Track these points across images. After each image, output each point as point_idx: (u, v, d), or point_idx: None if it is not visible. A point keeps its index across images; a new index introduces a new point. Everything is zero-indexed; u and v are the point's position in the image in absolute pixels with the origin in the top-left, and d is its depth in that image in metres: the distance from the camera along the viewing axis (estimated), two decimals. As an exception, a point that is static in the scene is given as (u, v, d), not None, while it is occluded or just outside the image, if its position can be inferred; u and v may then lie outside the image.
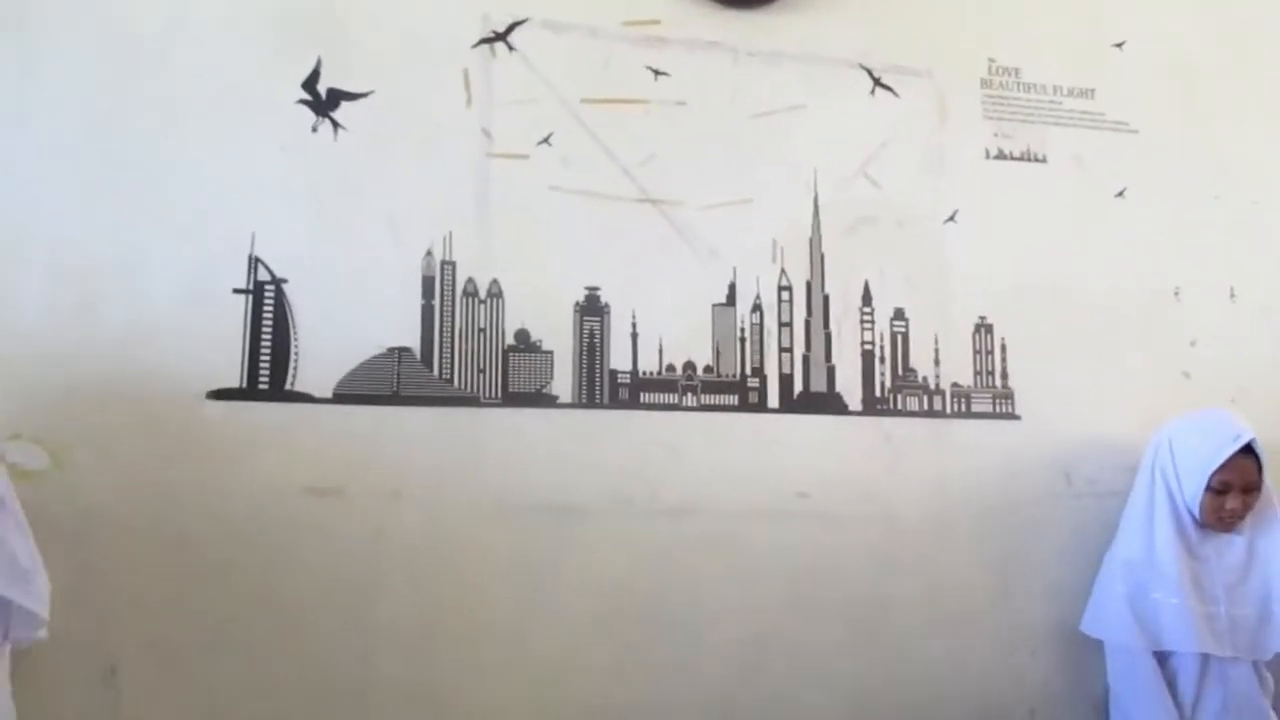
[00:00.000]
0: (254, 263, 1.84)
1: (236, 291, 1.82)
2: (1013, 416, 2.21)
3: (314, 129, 1.90)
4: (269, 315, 1.83)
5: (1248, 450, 1.94)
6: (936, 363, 2.18)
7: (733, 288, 2.08)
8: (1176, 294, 2.34)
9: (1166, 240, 2.34)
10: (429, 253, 1.92)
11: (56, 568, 1.60)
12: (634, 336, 2.02)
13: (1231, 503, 1.94)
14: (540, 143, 2.00)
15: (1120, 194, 2.33)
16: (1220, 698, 1.95)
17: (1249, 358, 2.36)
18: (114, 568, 1.71)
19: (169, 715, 1.71)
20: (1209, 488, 1.95)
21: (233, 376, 1.80)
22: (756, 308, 2.09)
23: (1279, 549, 1.99)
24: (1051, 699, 2.13)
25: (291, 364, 1.84)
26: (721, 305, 2.07)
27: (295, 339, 1.84)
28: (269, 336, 1.83)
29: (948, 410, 2.18)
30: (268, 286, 1.84)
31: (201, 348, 1.79)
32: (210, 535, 1.75)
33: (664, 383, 2.02)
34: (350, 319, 1.87)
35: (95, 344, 1.75)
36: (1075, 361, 2.24)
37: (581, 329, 2.00)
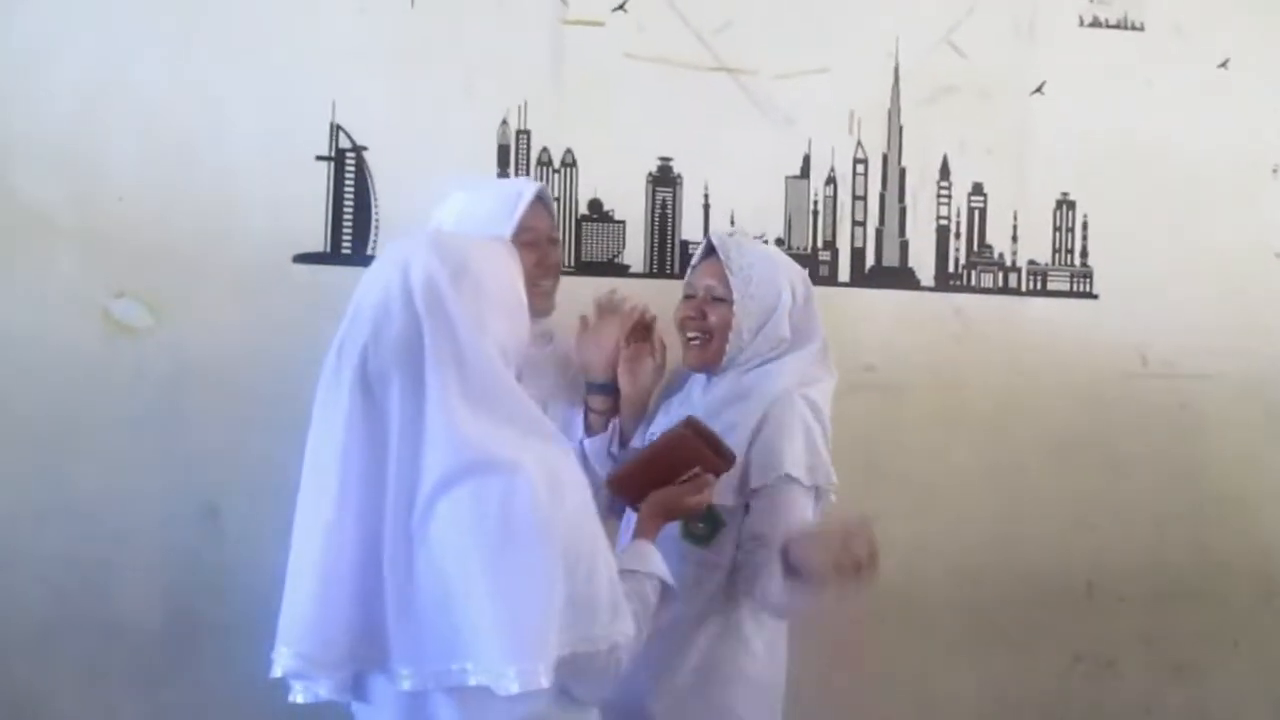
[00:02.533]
0: (335, 130, 1.88)
1: (320, 159, 1.88)
2: (1090, 295, 2.18)
3: (391, -6, 1.91)
4: (350, 182, 1.89)
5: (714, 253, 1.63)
6: (1014, 239, 2.15)
7: (807, 159, 2.06)
8: (1275, 171, 2.24)
9: (1270, 114, 2.23)
10: (504, 121, 1.94)
11: (159, 420, 1.76)
12: (706, 207, 2.03)
13: (689, 309, 1.65)
14: (616, 9, 1.98)
15: (1223, 65, 2.22)
16: None
17: (1349, 241, 2.26)
18: (212, 420, 1.82)
19: (268, 552, 1.84)
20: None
21: (317, 241, 1.87)
22: (830, 180, 2.08)
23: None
24: (1109, 571, 2.16)
25: (373, 229, 1.90)
26: (795, 177, 2.06)
27: (376, 205, 1.90)
28: (350, 202, 1.89)
29: (1023, 288, 2.15)
30: (349, 154, 1.89)
31: (287, 212, 1.86)
32: (295, 392, 1.84)
33: (735, 254, 2.03)
34: (428, 186, 1.90)
35: (188, 206, 1.82)
36: (1160, 239, 2.19)
37: (654, 199, 2.01)
